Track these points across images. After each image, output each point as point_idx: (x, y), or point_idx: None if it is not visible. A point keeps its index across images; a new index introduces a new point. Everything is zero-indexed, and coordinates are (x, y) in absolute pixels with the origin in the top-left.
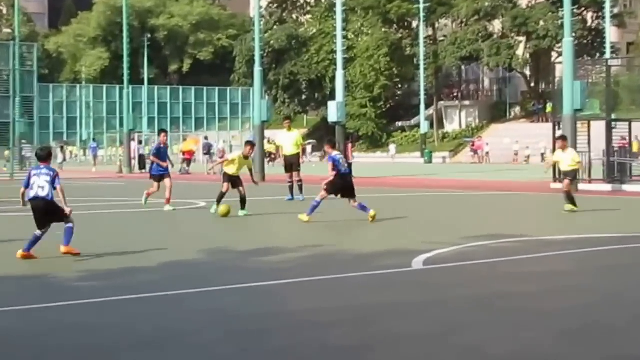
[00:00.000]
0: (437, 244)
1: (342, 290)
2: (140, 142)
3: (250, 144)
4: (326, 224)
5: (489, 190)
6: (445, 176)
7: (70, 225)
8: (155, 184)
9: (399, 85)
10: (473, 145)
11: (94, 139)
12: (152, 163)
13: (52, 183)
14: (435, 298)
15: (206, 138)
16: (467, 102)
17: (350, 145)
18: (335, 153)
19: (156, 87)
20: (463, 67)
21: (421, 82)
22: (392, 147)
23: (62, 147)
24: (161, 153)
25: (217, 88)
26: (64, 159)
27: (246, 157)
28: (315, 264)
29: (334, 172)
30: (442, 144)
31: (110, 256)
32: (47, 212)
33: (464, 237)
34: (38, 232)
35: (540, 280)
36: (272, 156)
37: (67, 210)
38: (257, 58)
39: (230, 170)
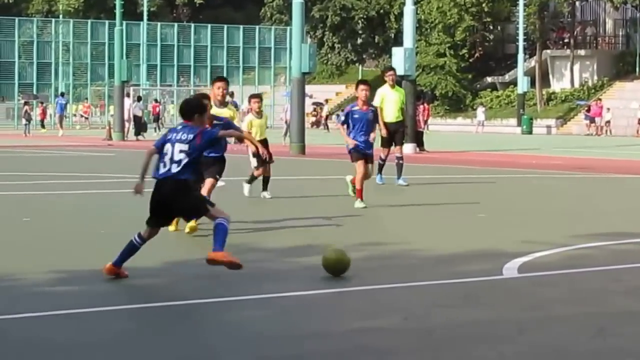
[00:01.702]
0: (537, 243)
1: (408, 305)
2: (139, 99)
3: (254, 97)
4: (387, 214)
5: (608, 173)
6: (550, 152)
7: (222, 221)
8: (360, 163)
9: (490, 28)
10: (589, 110)
11: (62, 93)
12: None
13: (191, 153)
14: (533, 318)
15: (231, 95)
16: (581, 52)
17: (423, 107)
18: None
19: (159, 24)
20: (577, 4)
21: (520, 23)
22: (481, 111)
23: (26, 103)
24: (355, 120)
25: (241, 27)
26: (29, 120)
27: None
28: (372, 269)
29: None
30: (546, 109)
31: (95, 252)
32: (173, 201)
33: (573, 234)
34: (137, 239)
35: None
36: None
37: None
38: None
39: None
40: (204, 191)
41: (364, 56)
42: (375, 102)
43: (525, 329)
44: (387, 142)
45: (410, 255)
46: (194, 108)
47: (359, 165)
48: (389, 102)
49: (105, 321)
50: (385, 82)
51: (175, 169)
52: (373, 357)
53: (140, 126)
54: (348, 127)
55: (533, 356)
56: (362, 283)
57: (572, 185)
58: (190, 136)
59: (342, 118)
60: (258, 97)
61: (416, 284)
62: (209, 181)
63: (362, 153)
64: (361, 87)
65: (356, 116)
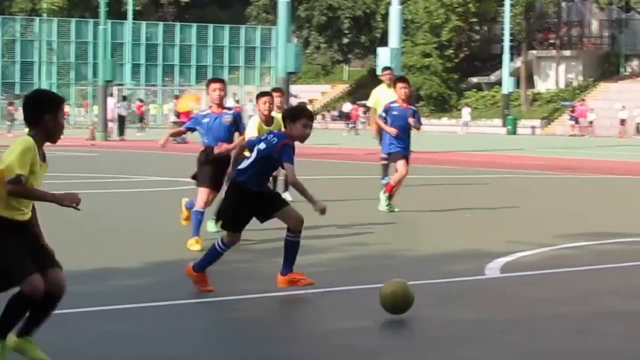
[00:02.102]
0: (519, 243)
1: None
2: (124, 98)
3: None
4: (371, 214)
5: (591, 173)
6: (534, 152)
7: (220, 247)
8: (401, 163)
9: (477, 28)
10: (573, 111)
11: None
12: (381, 133)
13: (262, 150)
14: (516, 317)
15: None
16: (567, 52)
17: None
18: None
19: (144, 23)
20: (563, 5)
21: (506, 23)
22: (466, 112)
23: (10, 104)
24: (394, 116)
25: (227, 26)
26: (12, 120)
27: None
28: (357, 269)
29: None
30: (531, 109)
31: (79, 253)
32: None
33: (555, 235)
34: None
35: None
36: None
37: None
38: None
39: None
40: (198, 202)
41: (350, 56)
42: (370, 102)
43: (508, 329)
44: None
45: (395, 255)
46: (284, 115)
47: (403, 166)
48: (385, 101)
49: (96, 322)
50: (382, 82)
51: (243, 164)
52: (357, 357)
53: (123, 126)
54: (385, 122)
55: (515, 356)
56: (345, 283)
57: (555, 186)
58: (275, 140)
59: (383, 114)
60: (279, 90)
61: None
62: (204, 191)
63: (402, 154)
64: (400, 85)
65: (395, 113)
